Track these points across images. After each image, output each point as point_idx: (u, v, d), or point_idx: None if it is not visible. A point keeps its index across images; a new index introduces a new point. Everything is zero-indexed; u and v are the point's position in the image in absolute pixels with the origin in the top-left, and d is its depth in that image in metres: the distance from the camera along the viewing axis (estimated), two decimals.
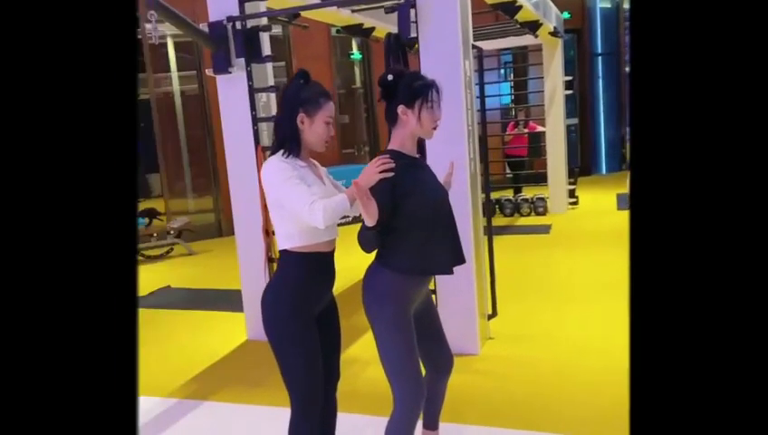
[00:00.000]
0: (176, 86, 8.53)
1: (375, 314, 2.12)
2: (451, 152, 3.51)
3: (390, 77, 2.12)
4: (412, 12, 3.43)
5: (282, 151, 2.07)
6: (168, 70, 8.43)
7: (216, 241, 8.19)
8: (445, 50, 3.45)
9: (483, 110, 3.84)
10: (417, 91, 2.10)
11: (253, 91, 3.91)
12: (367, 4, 4.16)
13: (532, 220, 7.98)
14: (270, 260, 3.94)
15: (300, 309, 2.06)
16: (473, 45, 3.64)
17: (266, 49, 3.97)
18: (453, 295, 3.64)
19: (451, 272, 2.17)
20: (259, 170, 3.90)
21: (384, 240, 2.14)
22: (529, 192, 8.61)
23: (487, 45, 8.26)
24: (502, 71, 11.28)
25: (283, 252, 2.10)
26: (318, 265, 2.11)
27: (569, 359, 3.54)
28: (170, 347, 4.32)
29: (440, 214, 2.13)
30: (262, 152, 3.96)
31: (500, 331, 3.97)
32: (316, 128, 2.08)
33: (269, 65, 4.02)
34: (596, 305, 4.41)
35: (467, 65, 3.55)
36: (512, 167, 9.18)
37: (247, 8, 3.87)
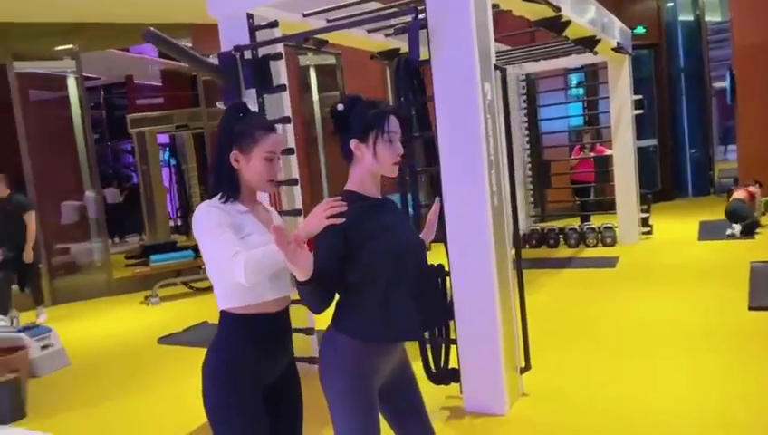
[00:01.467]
0: None
1: (327, 386, 1.79)
2: (468, 185, 3.14)
3: (341, 107, 1.81)
4: (423, 33, 3.11)
5: (219, 195, 1.80)
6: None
7: None
8: (460, 73, 3.09)
9: (508, 136, 3.42)
10: (371, 121, 1.77)
11: None
12: (375, 22, 3.88)
13: (599, 252, 7.32)
14: None
15: (239, 385, 1.75)
16: (495, 66, 3.26)
17: (282, 78, 3.77)
18: (474, 343, 3.23)
19: (421, 337, 1.81)
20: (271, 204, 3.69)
21: (340, 299, 1.81)
22: (597, 220, 7.95)
23: (549, 66, 7.80)
24: (572, 91, 10.67)
25: (221, 314, 1.81)
26: (263, 328, 1.79)
27: (623, 431, 2.96)
28: (184, 389, 4.13)
29: (406, 266, 1.77)
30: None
31: (536, 386, 3.47)
32: (254, 166, 1.79)
33: (284, 95, 3.81)
34: (666, 361, 3.69)
35: (487, 88, 3.17)
36: (578, 193, 8.54)
37: (261, 37, 3.70)
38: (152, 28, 3.16)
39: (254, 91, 3.67)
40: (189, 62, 3.48)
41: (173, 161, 12.95)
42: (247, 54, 3.64)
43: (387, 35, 4.82)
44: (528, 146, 8.39)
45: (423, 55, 3.15)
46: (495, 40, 6.55)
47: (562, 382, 3.57)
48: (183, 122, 10.18)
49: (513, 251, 3.53)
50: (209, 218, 1.71)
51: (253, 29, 3.68)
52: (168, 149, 13.18)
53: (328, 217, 1.63)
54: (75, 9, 6.92)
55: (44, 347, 4.78)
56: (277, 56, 3.65)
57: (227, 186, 1.79)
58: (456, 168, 3.17)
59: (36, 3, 6.61)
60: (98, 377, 4.62)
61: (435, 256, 3.42)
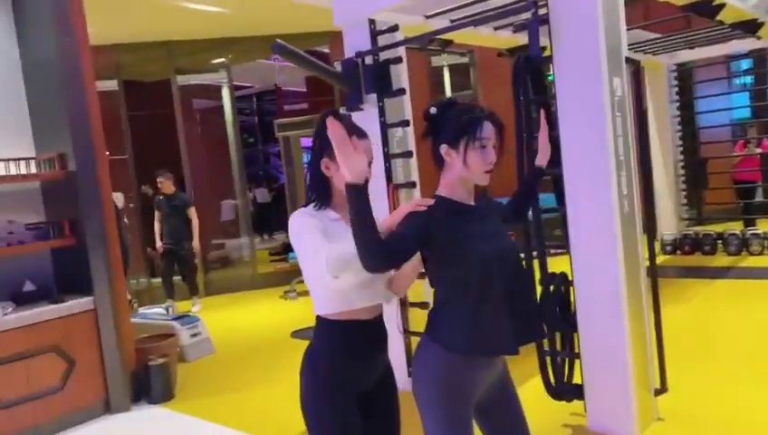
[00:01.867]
0: None
1: (418, 395, 1.75)
2: (594, 188, 2.92)
3: (434, 110, 1.76)
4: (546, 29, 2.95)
5: (313, 203, 1.83)
6: None
7: None
8: (584, 68, 2.88)
9: (643, 134, 3.14)
10: (463, 127, 1.70)
11: (385, 127, 3.74)
12: (495, 21, 3.73)
13: (764, 260, 6.50)
14: (403, 304, 3.72)
15: (333, 389, 1.78)
16: (627, 59, 3.00)
17: (402, 81, 3.78)
18: (599, 358, 3.00)
19: (516, 352, 1.70)
20: (391, 211, 3.72)
21: (433, 305, 1.77)
22: (763, 225, 7.06)
23: (707, 53, 7.03)
24: (736, 80, 9.57)
25: (317, 319, 1.84)
26: (356, 335, 1.80)
27: None
28: None
29: (495, 276, 1.68)
30: (394, 191, 3.77)
31: (675, 410, 3.14)
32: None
33: (405, 98, 3.81)
34: None
35: (617, 84, 2.93)
36: (741, 194, 7.64)
37: (383, 42, 3.74)
38: (279, 40, 3.31)
39: (374, 96, 3.71)
40: (314, 71, 3.61)
41: None
42: (369, 60, 3.69)
43: (514, 31, 4.64)
44: (681, 142, 7.63)
45: (546, 52, 2.99)
46: (643, 28, 6.11)
47: (704, 408, 3.21)
48: None
49: (647, 259, 3.22)
50: (300, 225, 1.75)
51: (374, 34, 3.73)
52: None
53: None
54: (227, 25, 7.51)
55: (193, 335, 5.24)
56: (397, 60, 3.66)
57: (319, 193, 1.82)
58: (580, 170, 2.97)
59: (194, 21, 7.26)
60: (237, 366, 4.96)
61: (558, 265, 3.24)
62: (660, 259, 7.25)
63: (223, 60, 8.34)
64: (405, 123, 3.72)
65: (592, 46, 2.84)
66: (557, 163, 3.11)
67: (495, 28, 4.30)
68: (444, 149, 1.73)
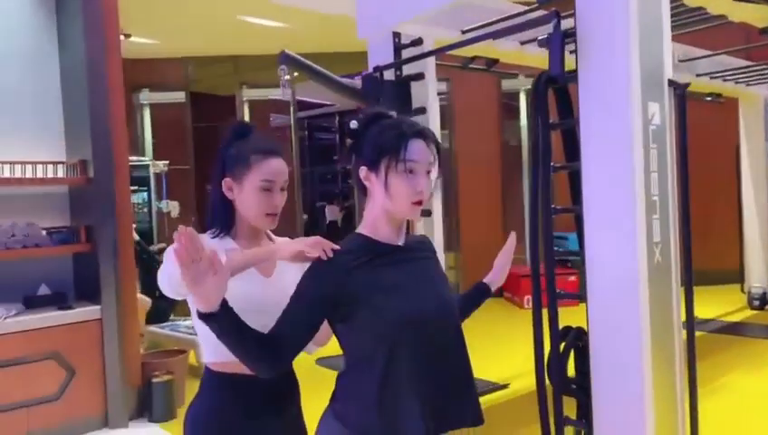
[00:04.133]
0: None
1: None
2: (614, 232, 2.45)
3: (354, 124, 1.45)
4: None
5: (213, 230, 1.56)
6: None
7: None
8: (609, 90, 2.44)
9: (683, 165, 2.63)
10: (384, 145, 1.38)
11: None
12: (514, 33, 3.32)
13: None
14: None
15: None
16: (670, 81, 2.52)
17: (427, 99, 3.47)
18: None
19: None
20: None
21: (342, 373, 1.44)
22: None
23: None
24: None
25: (204, 368, 1.56)
26: (249, 391, 1.50)
27: None
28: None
29: (407, 344, 1.33)
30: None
31: None
32: (247, 196, 1.51)
33: (429, 118, 3.49)
34: None
35: (654, 110, 2.46)
36: None
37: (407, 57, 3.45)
38: (287, 51, 3.11)
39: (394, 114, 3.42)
40: (326, 85, 3.37)
41: None
42: (390, 75, 3.41)
43: (540, 46, 4.19)
44: None
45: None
46: (736, 54, 5.42)
47: None
48: None
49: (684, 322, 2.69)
50: (170, 253, 1.48)
51: (398, 48, 3.45)
52: None
53: (307, 255, 1.30)
54: (294, 42, 7.48)
55: None
56: (419, 76, 3.35)
57: (219, 218, 1.55)
58: (600, 210, 2.51)
59: (261, 37, 7.30)
60: None
61: (573, 317, 2.78)
62: (744, 315, 6.40)
63: (287, 77, 8.34)
64: None
65: (621, 63, 2.40)
66: (577, 199, 2.67)
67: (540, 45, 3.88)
68: (363, 172, 1.42)
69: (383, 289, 1.34)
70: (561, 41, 2.51)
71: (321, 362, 5.34)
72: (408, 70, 3.42)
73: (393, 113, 1.52)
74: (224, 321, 1.23)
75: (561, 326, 2.68)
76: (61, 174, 4.07)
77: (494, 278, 1.78)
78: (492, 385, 4.45)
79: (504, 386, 4.45)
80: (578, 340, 2.65)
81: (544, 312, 2.66)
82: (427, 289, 1.40)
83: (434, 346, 1.34)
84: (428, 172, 1.41)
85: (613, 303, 2.50)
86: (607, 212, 2.49)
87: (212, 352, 1.49)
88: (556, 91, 2.73)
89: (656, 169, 2.47)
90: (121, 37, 6.88)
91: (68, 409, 3.75)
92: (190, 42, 7.35)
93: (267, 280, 1.53)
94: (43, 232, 4.01)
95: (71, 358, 3.77)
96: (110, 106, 3.98)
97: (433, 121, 3.56)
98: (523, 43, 3.00)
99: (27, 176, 3.90)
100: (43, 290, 4.01)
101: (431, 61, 3.58)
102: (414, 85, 3.44)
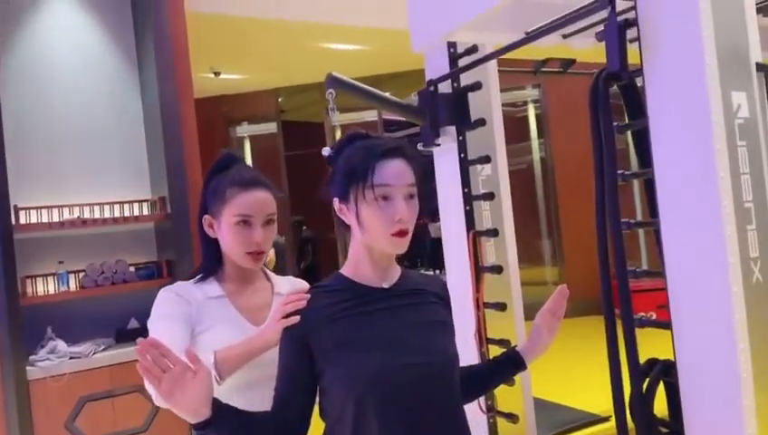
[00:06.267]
0: (536, 154, 8.16)
1: None
2: (698, 247, 2.07)
3: (326, 151, 1.29)
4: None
5: (198, 275, 1.45)
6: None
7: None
8: (682, 80, 2.08)
9: None
10: (351, 170, 1.21)
11: (466, 164, 3.21)
12: (565, 27, 2.97)
13: None
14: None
15: None
16: (758, 65, 2.11)
17: (489, 110, 3.25)
18: None
19: None
20: (471, 262, 3.21)
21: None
22: None
23: None
24: None
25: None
26: None
27: None
28: None
29: (392, 403, 1.13)
30: (474, 238, 3.18)
31: None
32: (224, 234, 1.39)
33: (492, 130, 3.25)
34: None
35: (740, 100, 2.06)
36: None
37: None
38: (334, 73, 3.02)
39: (453, 129, 3.21)
40: (379, 105, 3.23)
41: None
42: (447, 88, 3.21)
43: (599, 40, 3.76)
44: None
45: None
46: None
47: None
48: None
49: None
50: (159, 306, 1.39)
51: (453, 58, 3.24)
52: None
53: (285, 317, 1.14)
54: (376, 63, 7.48)
55: None
56: (475, 86, 3.12)
57: (205, 259, 1.44)
58: (680, 223, 2.14)
59: (341, 61, 7.36)
60: None
61: (657, 348, 2.38)
62: None
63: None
64: (485, 160, 3.14)
65: (694, 48, 2.04)
66: (655, 212, 2.29)
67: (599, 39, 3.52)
68: (336, 204, 1.25)
69: (350, 343, 1.16)
70: (618, 31, 2.19)
71: None
72: (465, 80, 3.20)
73: (374, 134, 1.33)
74: (224, 424, 1.13)
75: (645, 357, 2.31)
76: (146, 211, 4.27)
77: (533, 346, 1.48)
78: (590, 417, 4.02)
79: (605, 419, 4.02)
80: (666, 374, 2.27)
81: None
82: (411, 341, 1.19)
83: (414, 409, 1.13)
84: (411, 196, 1.21)
85: (704, 332, 2.10)
86: (688, 225, 2.11)
87: None
88: (621, 88, 2.39)
89: (747, 170, 2.06)
90: (211, 75, 7.25)
91: None
92: (277, 73, 7.56)
93: (258, 329, 1.40)
94: (131, 268, 4.20)
95: None
96: (183, 146, 4.11)
97: (497, 133, 3.32)
98: (600, 39, 2.66)
99: (119, 215, 4.15)
100: (133, 324, 4.18)
101: (492, 69, 3.35)
102: (474, 96, 3.21)
